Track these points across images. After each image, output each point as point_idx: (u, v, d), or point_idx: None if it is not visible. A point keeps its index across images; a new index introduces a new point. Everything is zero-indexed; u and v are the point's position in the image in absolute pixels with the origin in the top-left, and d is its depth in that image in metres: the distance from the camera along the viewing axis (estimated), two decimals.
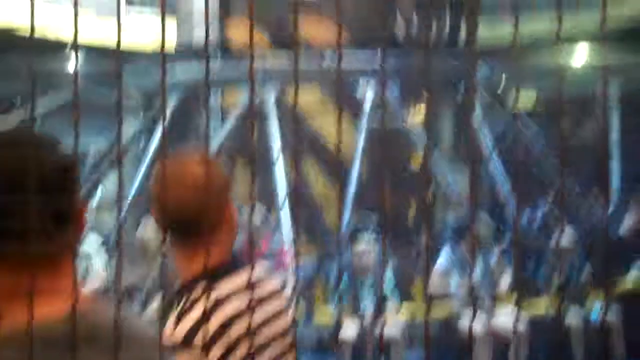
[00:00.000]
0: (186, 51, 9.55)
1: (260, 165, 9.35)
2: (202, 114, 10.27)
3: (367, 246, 7.75)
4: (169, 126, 9.42)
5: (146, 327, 1.48)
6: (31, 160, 1.19)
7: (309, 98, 10.25)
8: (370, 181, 9.60)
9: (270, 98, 9.59)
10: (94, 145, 9.07)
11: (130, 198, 8.33)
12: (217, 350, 1.84)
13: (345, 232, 8.62)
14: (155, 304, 5.89)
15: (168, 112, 9.52)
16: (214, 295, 1.90)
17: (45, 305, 1.26)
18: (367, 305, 7.48)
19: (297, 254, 7.85)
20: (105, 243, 7.67)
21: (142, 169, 8.84)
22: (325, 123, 10.31)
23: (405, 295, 7.91)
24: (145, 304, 6.19)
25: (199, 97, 9.84)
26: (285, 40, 10.15)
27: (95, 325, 1.32)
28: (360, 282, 7.54)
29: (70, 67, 8.77)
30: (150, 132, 9.50)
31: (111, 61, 8.71)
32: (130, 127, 9.60)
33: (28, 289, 1.21)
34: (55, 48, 8.39)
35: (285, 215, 8.57)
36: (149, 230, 6.69)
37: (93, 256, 7.28)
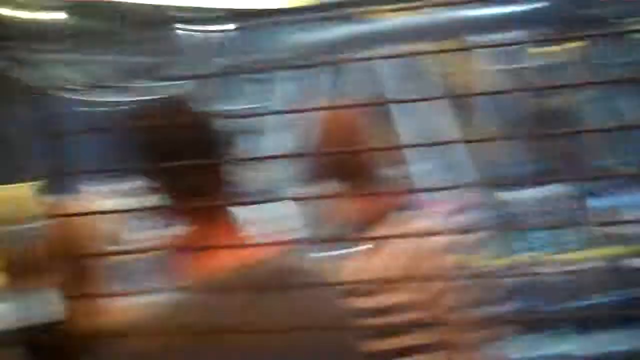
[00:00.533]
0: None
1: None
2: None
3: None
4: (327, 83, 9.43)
5: (332, 271, 1.57)
6: (195, 127, 1.28)
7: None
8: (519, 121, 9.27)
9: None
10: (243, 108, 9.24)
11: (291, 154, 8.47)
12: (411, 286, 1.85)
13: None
14: (343, 250, 5.97)
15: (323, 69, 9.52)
16: (398, 232, 1.91)
17: (227, 255, 1.32)
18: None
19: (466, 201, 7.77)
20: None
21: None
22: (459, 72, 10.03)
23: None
24: (334, 250, 6.25)
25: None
26: None
27: (287, 270, 1.36)
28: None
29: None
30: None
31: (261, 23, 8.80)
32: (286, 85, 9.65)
33: (220, 239, 1.29)
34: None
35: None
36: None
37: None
